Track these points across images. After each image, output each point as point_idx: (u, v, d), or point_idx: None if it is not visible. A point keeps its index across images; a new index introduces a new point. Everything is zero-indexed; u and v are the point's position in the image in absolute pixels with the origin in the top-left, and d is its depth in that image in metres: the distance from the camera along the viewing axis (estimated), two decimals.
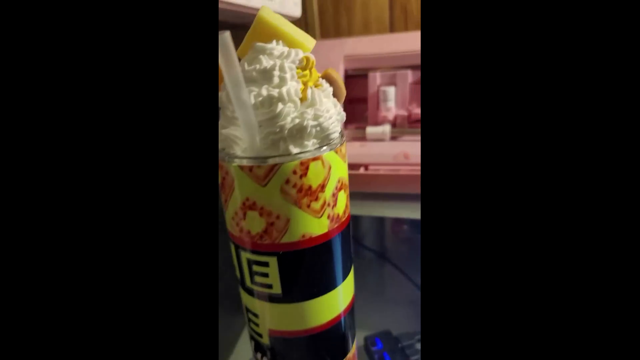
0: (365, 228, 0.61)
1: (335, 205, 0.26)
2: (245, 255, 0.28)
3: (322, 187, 0.25)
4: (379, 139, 0.61)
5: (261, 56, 0.25)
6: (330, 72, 0.26)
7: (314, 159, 0.24)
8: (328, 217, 0.26)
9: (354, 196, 0.55)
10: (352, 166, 0.57)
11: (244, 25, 0.57)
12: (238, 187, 0.26)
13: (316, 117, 0.24)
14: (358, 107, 0.68)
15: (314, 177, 0.25)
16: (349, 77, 0.66)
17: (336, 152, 0.26)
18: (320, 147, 0.25)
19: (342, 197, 0.27)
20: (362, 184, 0.56)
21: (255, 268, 0.28)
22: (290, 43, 0.26)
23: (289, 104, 0.24)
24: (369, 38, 0.66)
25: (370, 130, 0.61)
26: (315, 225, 0.26)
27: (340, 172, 0.26)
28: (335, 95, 0.27)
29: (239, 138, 0.25)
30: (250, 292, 0.30)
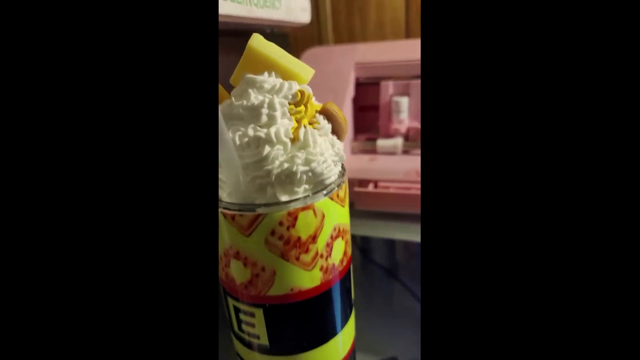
0: (375, 240, 0.58)
1: (329, 255, 0.24)
2: (232, 302, 0.26)
3: (314, 237, 0.22)
4: (390, 153, 0.57)
5: (250, 90, 0.22)
6: (329, 107, 0.23)
7: (304, 209, 0.21)
8: (321, 269, 0.23)
9: (362, 215, 0.52)
10: (360, 182, 0.53)
11: (250, 32, 0.55)
12: (222, 232, 0.23)
13: (308, 162, 0.21)
14: (369, 115, 0.65)
15: (303, 228, 0.22)
16: (361, 85, 0.63)
17: (332, 198, 0.23)
18: (313, 193, 0.22)
19: (340, 245, 0.24)
20: (370, 203, 0.53)
21: (242, 316, 0.26)
22: (285, 74, 0.23)
23: (278, 146, 0.21)
24: (382, 44, 0.62)
25: (381, 143, 0.58)
26: (305, 278, 0.23)
27: (337, 218, 0.24)
28: (335, 132, 0.24)
29: (222, 181, 0.22)
30: (238, 338, 0.27)
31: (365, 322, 0.34)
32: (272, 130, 0.21)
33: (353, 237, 0.41)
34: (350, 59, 0.60)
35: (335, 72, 0.60)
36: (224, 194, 0.23)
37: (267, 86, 0.22)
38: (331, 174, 0.22)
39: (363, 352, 0.37)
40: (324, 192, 0.22)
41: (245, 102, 0.21)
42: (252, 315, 0.25)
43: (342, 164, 0.25)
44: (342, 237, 0.24)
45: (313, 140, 0.22)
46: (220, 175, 0.22)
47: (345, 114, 0.56)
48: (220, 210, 0.22)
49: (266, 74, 0.22)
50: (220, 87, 0.23)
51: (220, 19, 0.34)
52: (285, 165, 0.21)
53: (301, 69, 0.23)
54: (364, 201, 0.54)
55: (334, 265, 0.24)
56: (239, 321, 0.26)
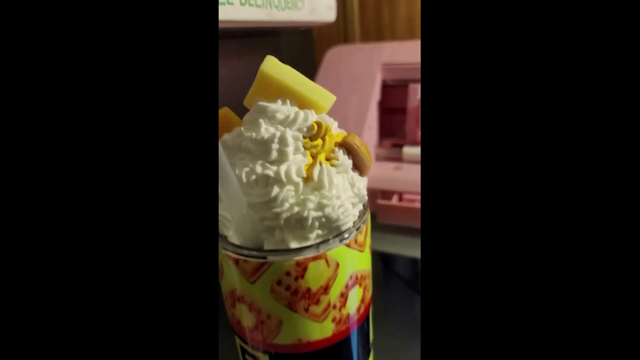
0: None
1: (343, 306, 0.21)
2: (238, 341, 0.24)
3: (326, 288, 0.20)
4: (417, 162, 0.54)
5: (261, 120, 0.20)
6: (351, 141, 0.20)
7: (315, 258, 0.19)
8: (333, 320, 0.21)
9: (384, 229, 0.48)
10: (384, 193, 0.50)
11: (273, 32, 0.52)
12: (226, 272, 0.21)
13: (321, 206, 0.19)
14: (396, 118, 0.61)
15: (313, 279, 0.19)
16: (387, 87, 0.59)
17: (349, 245, 0.20)
18: (327, 240, 0.19)
19: (356, 293, 0.22)
20: (393, 216, 0.50)
21: (248, 357, 0.24)
22: (301, 101, 0.20)
23: (288, 187, 0.19)
24: (412, 43, 0.58)
25: (408, 150, 0.54)
26: (315, 330, 0.21)
27: (354, 266, 0.21)
28: (356, 167, 0.21)
29: (226, 219, 0.20)
30: None
31: (384, 334, 0.31)
32: (283, 168, 0.18)
33: (374, 251, 0.38)
34: (376, 60, 0.56)
35: (361, 73, 0.57)
36: (229, 232, 0.20)
37: (279, 116, 0.19)
38: (348, 219, 0.20)
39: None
40: (339, 239, 0.20)
41: (254, 135, 0.19)
42: (258, 359, 0.23)
43: (365, 203, 0.22)
44: (360, 284, 0.22)
45: (329, 180, 0.19)
46: (224, 213, 0.20)
47: (370, 117, 0.52)
48: (223, 252, 0.20)
49: (280, 101, 0.20)
50: (229, 111, 0.21)
51: (237, 25, 0.32)
52: (296, 208, 0.19)
53: (320, 96, 0.20)
54: (387, 214, 0.50)
55: (348, 315, 0.22)
56: None
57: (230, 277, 0.21)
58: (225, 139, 0.20)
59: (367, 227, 0.22)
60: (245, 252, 0.19)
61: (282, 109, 0.19)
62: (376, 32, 0.77)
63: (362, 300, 0.22)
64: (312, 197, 0.19)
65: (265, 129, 0.19)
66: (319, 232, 0.19)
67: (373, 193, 0.41)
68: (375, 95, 0.56)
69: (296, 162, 0.19)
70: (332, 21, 0.49)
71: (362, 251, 0.21)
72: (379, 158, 0.56)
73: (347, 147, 0.20)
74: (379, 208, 0.46)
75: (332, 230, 0.19)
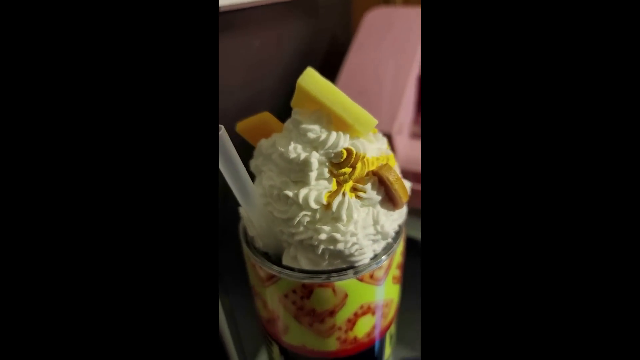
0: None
1: (350, 329, 0.21)
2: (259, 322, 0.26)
3: (332, 312, 0.20)
4: None
5: (293, 134, 0.19)
6: (383, 174, 0.18)
7: (321, 285, 0.19)
8: (338, 339, 0.21)
9: (410, 213, 0.41)
10: (406, 174, 0.42)
11: None
12: (249, 269, 0.22)
13: (332, 241, 0.18)
14: None
15: (318, 303, 0.19)
16: None
17: (362, 280, 0.19)
18: (337, 270, 0.19)
19: (367, 320, 0.21)
20: (418, 200, 0.43)
21: (267, 339, 0.26)
22: (337, 122, 0.18)
23: (305, 212, 0.18)
24: None
25: None
26: (319, 342, 0.21)
27: (367, 297, 0.20)
28: (390, 200, 0.19)
29: (252, 223, 0.21)
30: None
31: (408, 309, 0.29)
32: (302, 192, 0.18)
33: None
34: (419, 27, 0.47)
35: (401, 41, 0.47)
36: (254, 232, 0.21)
37: (311, 135, 0.18)
38: (363, 256, 0.18)
39: (401, 345, 0.33)
40: (353, 271, 0.19)
41: (282, 150, 0.18)
42: (271, 343, 0.24)
43: (395, 235, 0.20)
44: (373, 314, 0.21)
45: (348, 214, 0.18)
46: (248, 216, 0.20)
47: (408, 90, 0.40)
48: (245, 251, 0.21)
49: (315, 116, 0.18)
50: (269, 117, 0.21)
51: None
52: (309, 233, 0.18)
53: (357, 119, 0.18)
54: (411, 198, 0.43)
55: (355, 338, 0.21)
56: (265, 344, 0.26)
57: (251, 275, 0.22)
58: (260, 144, 0.20)
59: (392, 260, 0.20)
60: (259, 260, 0.20)
61: (314, 128, 0.18)
62: None
63: (374, 327, 0.22)
64: (326, 228, 0.18)
65: (293, 147, 0.18)
66: (332, 260, 0.19)
67: (405, 175, 0.35)
68: (415, 67, 0.47)
69: (318, 187, 0.18)
70: None
71: (378, 285, 0.20)
72: (415, 136, 0.49)
73: (379, 178, 0.18)
74: (412, 192, 0.39)
75: (345, 261, 0.19)
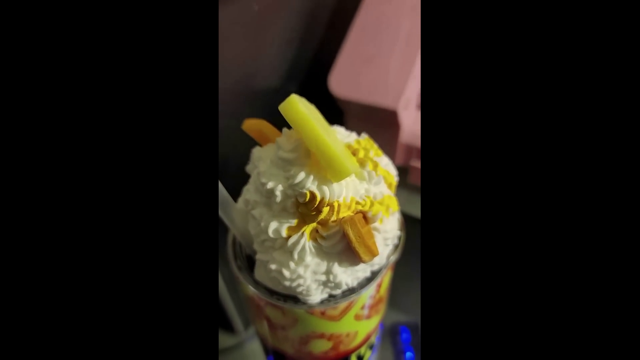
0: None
1: (305, 345, 0.21)
2: None
3: (283, 327, 0.20)
4: None
5: (271, 157, 0.18)
6: (346, 228, 0.16)
7: (273, 305, 0.19)
8: (293, 347, 0.22)
9: (413, 189, 0.35)
10: (411, 150, 0.31)
11: None
12: None
13: (279, 273, 0.18)
14: None
15: (272, 316, 0.20)
16: None
17: (312, 313, 0.19)
18: (288, 297, 0.19)
19: (321, 344, 0.21)
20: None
21: None
22: (320, 156, 0.17)
23: (265, 238, 0.18)
24: None
25: None
26: (279, 343, 0.22)
27: (317, 327, 0.20)
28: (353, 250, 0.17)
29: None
30: None
31: (400, 281, 0.29)
32: (263, 220, 0.18)
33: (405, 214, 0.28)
34: None
35: (413, 6, 0.33)
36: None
37: (284, 166, 0.17)
38: (309, 297, 0.18)
39: (392, 309, 0.35)
40: (300, 304, 0.19)
41: (260, 170, 0.18)
42: None
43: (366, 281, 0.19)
44: (329, 339, 0.21)
45: (300, 255, 0.17)
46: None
47: (418, 64, 0.30)
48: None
49: (296, 146, 0.17)
50: (265, 125, 0.20)
51: None
52: (267, 257, 0.18)
53: (331, 164, 0.16)
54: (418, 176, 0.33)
55: (310, 352, 0.22)
56: None
57: None
58: (253, 153, 0.20)
59: (354, 302, 0.19)
60: (235, 263, 0.21)
61: (289, 159, 0.17)
62: None
63: (332, 349, 0.22)
64: (277, 259, 0.18)
65: (265, 171, 0.17)
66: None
67: (409, 150, 0.29)
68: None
69: (284, 217, 0.17)
70: None
71: (333, 321, 0.20)
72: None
73: (344, 229, 0.17)
74: (412, 169, 0.32)
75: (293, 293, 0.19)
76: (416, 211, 0.30)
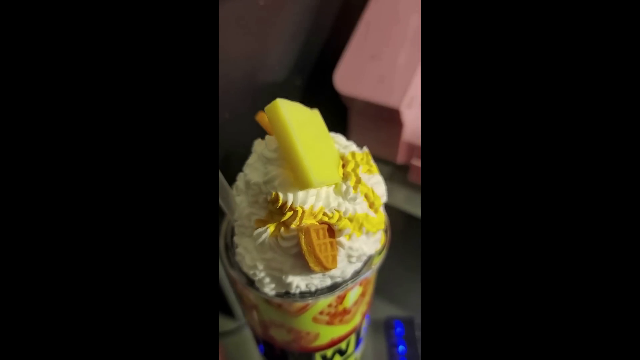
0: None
1: (265, 330, 0.23)
2: None
3: (249, 308, 0.21)
4: None
5: (257, 155, 0.19)
6: (300, 234, 0.17)
7: (236, 284, 0.20)
8: (257, 329, 0.23)
9: (414, 188, 0.33)
10: (414, 149, 0.30)
11: None
12: None
13: (241, 257, 0.19)
14: None
15: (243, 295, 0.21)
16: None
17: (269, 302, 0.19)
18: (249, 280, 0.19)
19: (280, 333, 0.22)
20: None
21: None
22: (289, 163, 0.17)
23: (241, 222, 0.19)
24: None
25: None
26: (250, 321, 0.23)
27: (273, 316, 0.21)
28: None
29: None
30: None
31: (392, 275, 0.29)
32: (240, 206, 0.19)
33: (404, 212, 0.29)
34: None
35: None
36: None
37: (263, 160, 0.18)
38: (264, 288, 0.19)
39: (383, 302, 0.36)
40: (260, 292, 0.19)
41: (249, 163, 0.19)
42: None
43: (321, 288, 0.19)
44: (288, 332, 0.22)
45: (259, 248, 0.18)
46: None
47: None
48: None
49: (277, 146, 0.18)
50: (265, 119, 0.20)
51: None
52: (239, 235, 0.19)
53: (295, 172, 0.16)
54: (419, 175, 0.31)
55: (273, 337, 0.23)
56: None
57: None
58: (254, 144, 0.20)
59: (311, 306, 0.19)
60: (223, 245, 0.22)
61: (269, 158, 0.18)
62: None
63: (292, 342, 0.22)
64: (242, 247, 0.18)
65: (249, 164, 0.19)
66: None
67: (411, 148, 0.29)
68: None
69: (254, 209, 0.18)
70: None
71: (290, 316, 0.20)
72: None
73: (299, 234, 0.17)
74: (412, 167, 0.30)
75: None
76: (416, 210, 0.29)
